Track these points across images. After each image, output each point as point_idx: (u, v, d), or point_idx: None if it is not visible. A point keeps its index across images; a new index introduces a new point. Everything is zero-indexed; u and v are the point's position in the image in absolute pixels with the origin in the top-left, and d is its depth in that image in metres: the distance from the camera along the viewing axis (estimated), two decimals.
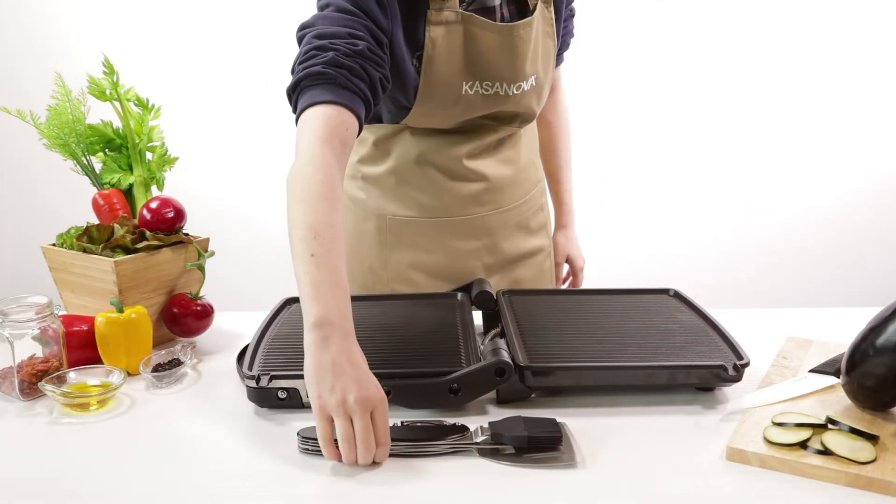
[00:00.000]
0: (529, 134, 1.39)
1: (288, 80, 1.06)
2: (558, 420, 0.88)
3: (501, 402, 0.97)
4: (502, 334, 1.08)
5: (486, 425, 0.87)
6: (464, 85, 1.19)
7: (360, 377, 0.83)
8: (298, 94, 1.04)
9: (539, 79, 1.27)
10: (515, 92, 1.23)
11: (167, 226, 1.19)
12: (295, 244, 0.91)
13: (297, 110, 1.04)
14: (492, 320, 1.19)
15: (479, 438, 0.86)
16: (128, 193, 1.28)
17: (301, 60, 1.05)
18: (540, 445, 0.84)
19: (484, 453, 0.85)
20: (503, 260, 1.38)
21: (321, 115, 1.00)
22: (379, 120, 1.29)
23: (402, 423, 0.89)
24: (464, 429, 0.87)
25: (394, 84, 1.16)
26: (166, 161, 1.31)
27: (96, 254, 1.14)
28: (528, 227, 1.41)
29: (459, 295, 1.22)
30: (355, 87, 1.03)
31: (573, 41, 1.45)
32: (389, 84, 1.11)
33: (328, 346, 0.84)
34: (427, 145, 1.27)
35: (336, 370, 0.83)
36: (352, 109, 1.02)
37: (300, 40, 1.09)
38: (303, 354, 1.00)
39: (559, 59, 1.45)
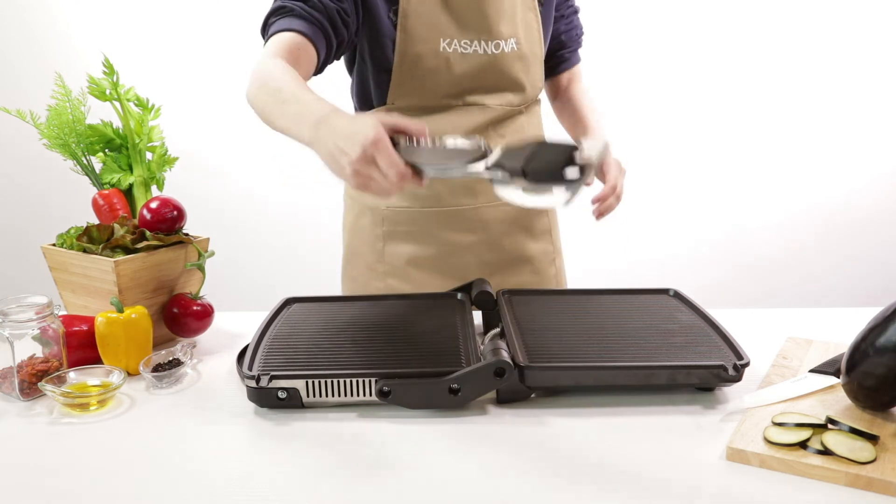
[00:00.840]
0: (532, 131, 1.39)
1: None
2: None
3: (501, 401, 0.97)
4: (502, 334, 1.08)
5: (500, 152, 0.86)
6: (441, 42, 1.23)
7: (349, 135, 0.84)
8: (266, 32, 1.15)
9: (521, 45, 1.28)
10: (494, 51, 1.24)
11: (167, 226, 1.19)
12: (269, 109, 1.00)
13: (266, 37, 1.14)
14: (492, 320, 1.19)
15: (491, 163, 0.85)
16: (128, 193, 1.28)
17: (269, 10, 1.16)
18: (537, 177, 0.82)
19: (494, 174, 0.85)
20: (503, 260, 1.38)
21: (275, 41, 1.10)
22: (370, 104, 1.31)
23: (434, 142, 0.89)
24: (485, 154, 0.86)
25: (372, 40, 1.23)
26: (166, 161, 1.31)
27: (96, 254, 1.14)
28: (529, 228, 1.40)
29: (459, 295, 1.22)
30: (309, 16, 1.12)
31: (587, 40, 1.46)
32: (350, 18, 1.17)
33: (319, 137, 0.87)
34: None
35: (334, 149, 0.84)
36: (306, 35, 1.11)
37: None
38: (302, 355, 1.01)
39: (573, 56, 1.45)
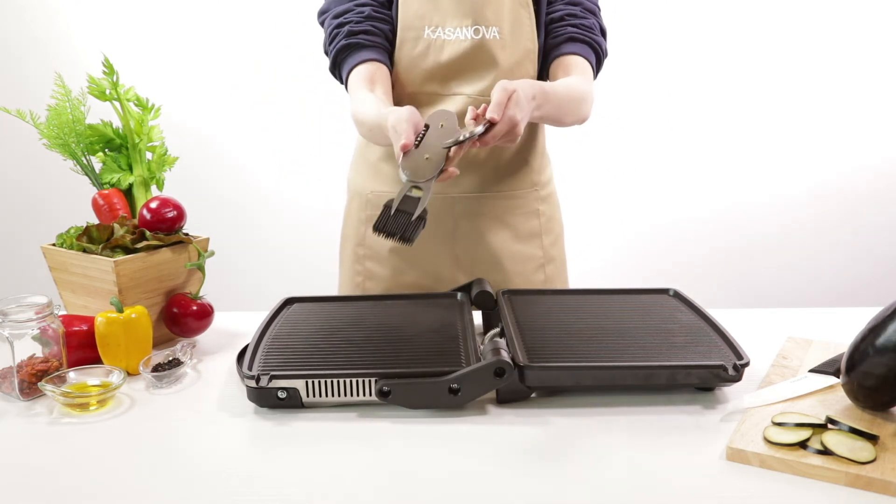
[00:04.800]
0: (527, 137, 1.38)
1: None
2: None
3: (501, 401, 0.97)
4: (502, 334, 1.08)
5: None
6: (426, 29, 1.28)
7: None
8: (340, 69, 1.31)
9: (504, 35, 1.28)
10: (475, 36, 1.27)
11: (167, 226, 1.19)
12: (370, 138, 1.26)
13: (343, 81, 1.31)
14: (492, 320, 1.19)
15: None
16: (128, 193, 1.28)
17: (329, 41, 1.31)
18: None
19: None
20: (482, 255, 1.36)
21: (353, 76, 1.27)
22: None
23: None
24: None
25: None
26: (166, 161, 1.31)
27: (96, 254, 1.14)
28: (514, 228, 1.38)
29: (459, 295, 1.22)
30: (373, 43, 1.28)
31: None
32: (398, 27, 1.30)
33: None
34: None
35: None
36: (376, 60, 1.27)
37: (322, 24, 1.34)
38: (302, 355, 1.02)
39: (564, 45, 1.31)
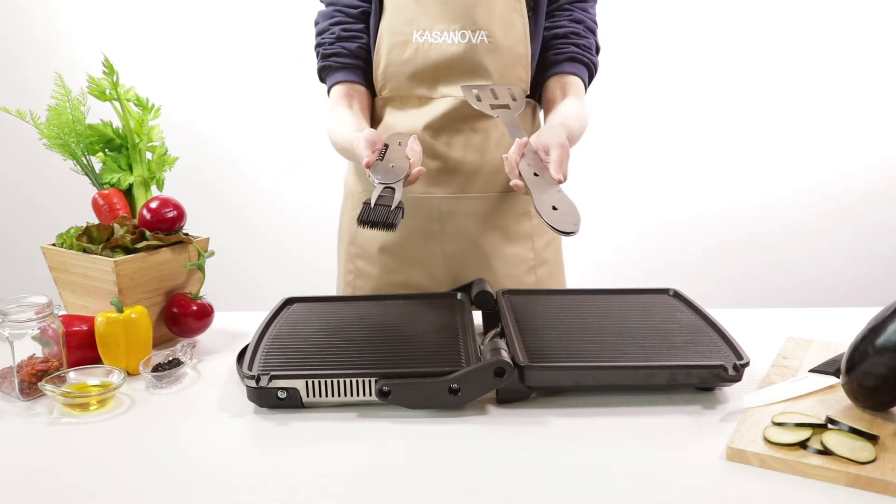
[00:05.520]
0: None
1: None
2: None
3: (501, 401, 0.97)
4: (502, 334, 1.08)
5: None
6: (414, 34, 1.29)
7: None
8: (325, 81, 1.39)
9: (494, 39, 1.28)
10: (461, 40, 1.27)
11: (167, 226, 1.19)
12: (342, 155, 1.30)
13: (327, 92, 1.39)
14: (492, 320, 1.19)
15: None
16: (128, 193, 1.28)
17: (316, 55, 1.38)
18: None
19: None
20: (472, 257, 1.36)
21: (332, 94, 1.36)
22: (372, 91, 1.38)
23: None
24: None
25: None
26: (166, 161, 1.31)
27: (96, 254, 1.14)
28: (505, 229, 1.38)
29: (459, 295, 1.22)
30: (342, 65, 1.34)
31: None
32: (370, 42, 1.35)
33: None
34: (397, 116, 1.34)
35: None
36: (347, 81, 1.34)
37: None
38: (302, 355, 1.02)
39: (564, 65, 1.34)
